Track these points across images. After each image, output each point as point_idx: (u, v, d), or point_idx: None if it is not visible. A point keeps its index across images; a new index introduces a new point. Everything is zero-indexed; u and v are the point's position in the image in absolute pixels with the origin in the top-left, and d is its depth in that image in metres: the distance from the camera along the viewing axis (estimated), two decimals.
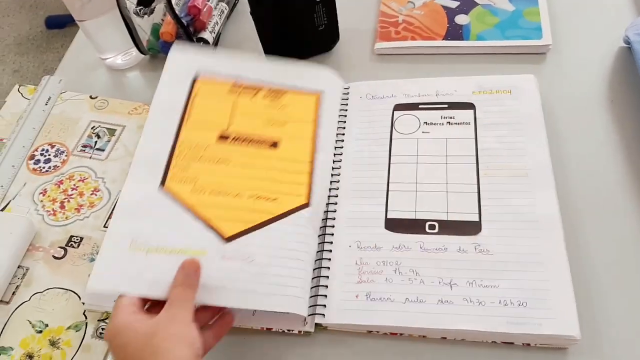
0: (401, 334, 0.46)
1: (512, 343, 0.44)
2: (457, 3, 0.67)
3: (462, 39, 0.64)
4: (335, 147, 0.56)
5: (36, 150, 0.61)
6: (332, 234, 0.51)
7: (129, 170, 0.52)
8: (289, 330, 0.47)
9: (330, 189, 0.54)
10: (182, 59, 0.59)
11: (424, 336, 0.46)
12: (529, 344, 0.44)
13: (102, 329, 0.48)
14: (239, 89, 0.57)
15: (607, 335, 0.44)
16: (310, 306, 0.47)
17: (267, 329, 0.47)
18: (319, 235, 0.51)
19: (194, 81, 0.57)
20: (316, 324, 0.47)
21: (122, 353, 0.40)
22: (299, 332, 0.47)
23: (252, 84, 0.57)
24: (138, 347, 0.39)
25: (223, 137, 0.54)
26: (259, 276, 0.46)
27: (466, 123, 0.55)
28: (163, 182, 0.51)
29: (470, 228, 0.49)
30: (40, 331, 0.49)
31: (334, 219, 0.52)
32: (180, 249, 0.46)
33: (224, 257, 0.46)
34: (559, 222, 0.48)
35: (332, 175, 0.54)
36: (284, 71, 0.59)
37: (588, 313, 0.45)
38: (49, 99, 0.65)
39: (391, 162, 0.54)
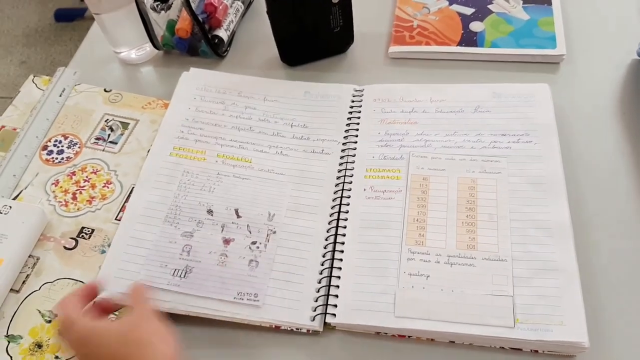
0: (409, 337, 0.47)
1: (520, 349, 0.45)
2: (472, 10, 0.67)
3: (476, 46, 0.64)
4: (349, 149, 0.57)
5: (49, 140, 0.61)
6: (344, 235, 0.51)
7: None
8: (297, 329, 0.47)
9: (342, 190, 0.54)
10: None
11: (432, 339, 0.46)
12: (537, 351, 0.44)
13: (112, 320, 0.48)
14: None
15: (614, 343, 0.45)
16: (319, 305, 0.48)
17: (275, 327, 0.48)
18: (330, 235, 0.51)
19: None
20: (325, 323, 0.47)
21: (98, 357, 0.39)
22: (308, 331, 0.47)
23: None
24: (119, 344, 0.38)
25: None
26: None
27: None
28: None
29: None
30: (50, 321, 0.49)
31: (346, 219, 0.52)
32: None
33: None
34: (570, 230, 0.48)
35: (344, 176, 0.55)
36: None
37: (596, 321, 0.45)
38: (63, 91, 0.65)
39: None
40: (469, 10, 0.68)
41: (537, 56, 0.62)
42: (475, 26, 0.66)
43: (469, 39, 0.65)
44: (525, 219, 0.49)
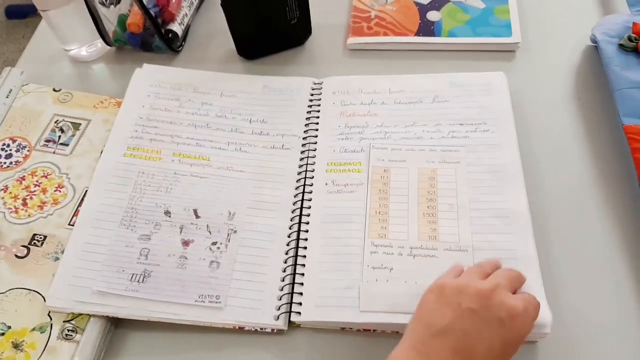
0: (374, 330, 0.46)
1: None
2: None
3: (434, 36, 0.64)
4: (309, 143, 0.56)
5: None
6: (307, 231, 0.50)
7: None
8: (262, 329, 0.47)
9: (304, 185, 0.53)
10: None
11: (397, 332, 0.46)
12: None
13: (68, 330, 0.47)
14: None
15: (575, 328, 0.45)
16: (283, 304, 0.47)
17: (239, 328, 0.47)
18: (292, 232, 0.51)
19: None
20: (290, 322, 0.46)
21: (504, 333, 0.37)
22: (272, 330, 0.47)
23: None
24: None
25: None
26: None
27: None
28: None
29: None
30: (3, 333, 0.47)
31: (309, 215, 0.51)
32: None
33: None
34: (528, 218, 0.48)
35: (305, 171, 0.54)
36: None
37: (556, 307, 0.45)
38: (10, 92, 0.62)
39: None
40: (425, 0, 0.67)
41: (493, 44, 0.63)
42: (433, 15, 0.66)
43: (427, 28, 0.65)
44: (484, 208, 0.49)
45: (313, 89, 0.60)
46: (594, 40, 0.61)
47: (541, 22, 0.66)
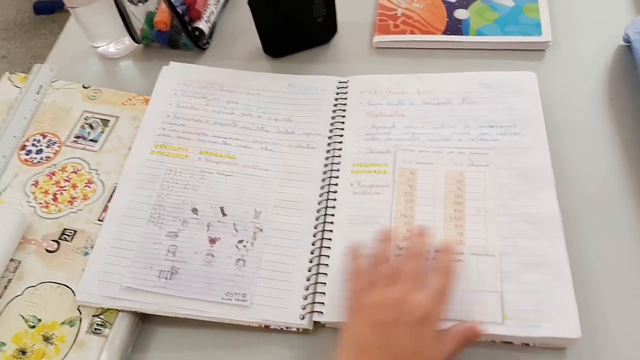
0: None
1: (511, 343, 0.44)
2: None
3: (462, 34, 0.63)
4: (335, 142, 0.56)
5: (27, 140, 0.59)
6: (332, 231, 0.50)
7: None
8: (287, 328, 0.47)
9: (329, 185, 0.53)
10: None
11: None
12: (527, 344, 0.44)
13: (97, 324, 0.48)
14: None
15: (605, 335, 0.44)
16: (308, 303, 0.47)
17: (265, 326, 0.47)
18: (318, 232, 0.51)
19: None
20: (315, 321, 0.47)
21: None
22: (298, 329, 0.47)
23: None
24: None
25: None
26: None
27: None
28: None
29: None
30: (34, 326, 0.48)
31: (333, 215, 0.51)
32: None
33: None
34: (559, 222, 0.48)
35: (331, 171, 0.54)
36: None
37: (588, 313, 0.45)
38: (40, 88, 0.63)
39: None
40: None
41: (523, 43, 0.62)
42: (460, 14, 0.65)
43: (454, 27, 0.64)
44: (513, 213, 0.48)
45: (339, 88, 0.60)
46: (626, 39, 0.60)
47: (572, 21, 0.64)
